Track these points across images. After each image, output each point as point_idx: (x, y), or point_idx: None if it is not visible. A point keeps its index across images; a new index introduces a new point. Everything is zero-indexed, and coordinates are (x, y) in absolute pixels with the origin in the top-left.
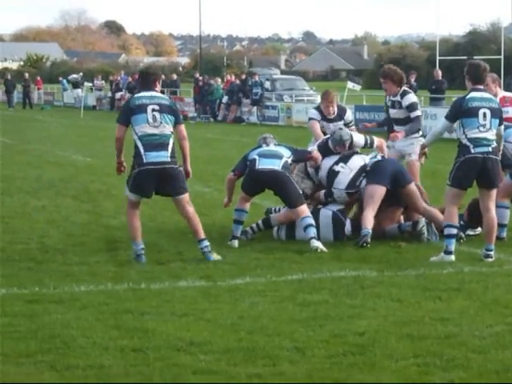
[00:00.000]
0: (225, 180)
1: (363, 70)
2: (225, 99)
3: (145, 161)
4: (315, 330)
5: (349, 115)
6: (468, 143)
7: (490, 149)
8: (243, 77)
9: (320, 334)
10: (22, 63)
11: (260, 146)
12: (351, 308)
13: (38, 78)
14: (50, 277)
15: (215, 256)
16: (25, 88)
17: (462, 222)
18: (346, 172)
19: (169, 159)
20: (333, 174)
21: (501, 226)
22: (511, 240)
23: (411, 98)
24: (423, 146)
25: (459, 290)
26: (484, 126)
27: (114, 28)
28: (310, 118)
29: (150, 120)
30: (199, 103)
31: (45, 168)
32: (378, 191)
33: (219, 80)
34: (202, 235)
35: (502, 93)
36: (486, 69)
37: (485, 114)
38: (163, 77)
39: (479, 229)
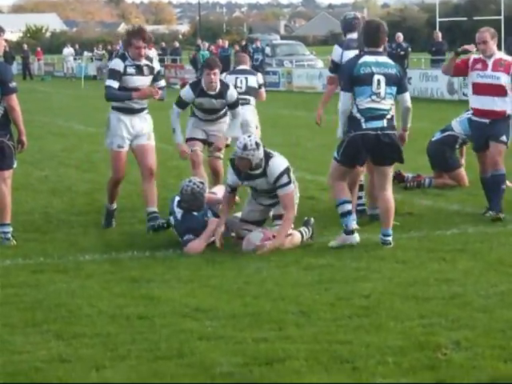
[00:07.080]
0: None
1: None
2: None
3: None
4: (320, 294)
5: (232, 94)
6: (359, 115)
7: (385, 123)
8: (243, 43)
9: (325, 297)
10: (21, 34)
11: None
12: (356, 271)
13: (38, 49)
14: (54, 247)
15: (13, 242)
16: (24, 59)
17: None
18: None
19: None
20: None
21: None
22: None
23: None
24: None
25: (463, 250)
26: (378, 94)
27: None
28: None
29: None
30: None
31: (47, 138)
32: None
33: (206, 45)
34: (7, 220)
35: (499, 54)
36: (384, 30)
37: (379, 81)
38: (163, 44)
39: None
